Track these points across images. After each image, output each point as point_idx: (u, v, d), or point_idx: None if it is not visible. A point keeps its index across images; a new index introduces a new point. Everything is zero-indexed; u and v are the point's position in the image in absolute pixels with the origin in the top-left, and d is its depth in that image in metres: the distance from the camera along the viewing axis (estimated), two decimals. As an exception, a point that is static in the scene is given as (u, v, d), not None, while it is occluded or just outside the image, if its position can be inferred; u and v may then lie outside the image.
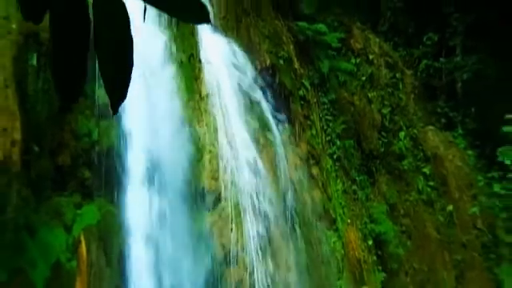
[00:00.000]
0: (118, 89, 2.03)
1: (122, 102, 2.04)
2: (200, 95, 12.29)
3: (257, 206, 11.68)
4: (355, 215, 13.76)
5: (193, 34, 12.62)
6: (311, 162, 13.42)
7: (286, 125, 13.38)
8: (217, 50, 12.76)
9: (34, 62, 9.55)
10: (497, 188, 16.65)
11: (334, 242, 12.88)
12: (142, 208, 10.73)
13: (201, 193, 11.35)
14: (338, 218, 13.23)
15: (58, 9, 1.96)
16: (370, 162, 15.12)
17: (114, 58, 2.02)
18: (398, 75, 17.04)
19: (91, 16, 1.98)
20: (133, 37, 2.02)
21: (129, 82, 2.04)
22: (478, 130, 17.91)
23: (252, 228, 11.41)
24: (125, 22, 2.00)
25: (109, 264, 10.33)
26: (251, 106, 12.78)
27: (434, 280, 15.07)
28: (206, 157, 11.65)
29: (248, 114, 12.61)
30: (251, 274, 11.12)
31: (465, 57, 19.07)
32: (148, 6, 2.00)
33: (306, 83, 14.12)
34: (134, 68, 2.10)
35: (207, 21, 2.07)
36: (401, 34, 18.77)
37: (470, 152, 17.60)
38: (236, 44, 13.10)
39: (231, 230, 11.23)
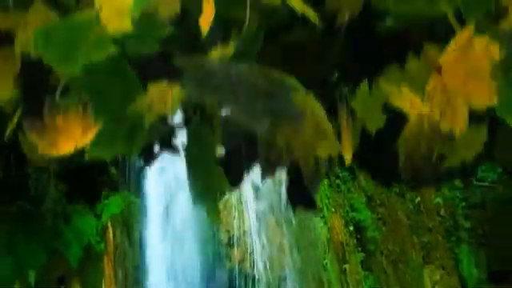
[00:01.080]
0: None
1: None
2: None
3: (256, 197, 11.70)
4: (339, 205, 13.77)
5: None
6: (302, 159, 13.44)
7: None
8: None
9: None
10: (457, 182, 16.75)
11: (320, 228, 12.88)
12: (156, 198, 10.75)
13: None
14: (324, 208, 13.24)
15: None
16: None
17: None
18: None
19: None
20: None
21: None
22: (442, 132, 18.02)
23: (252, 216, 11.44)
24: None
25: (131, 246, 10.35)
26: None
27: (404, 259, 15.09)
28: (214, 155, 11.68)
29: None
30: (251, 254, 11.13)
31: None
32: None
33: (298, 93, 14.15)
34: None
35: None
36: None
37: (434, 151, 17.72)
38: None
39: (234, 217, 11.26)
